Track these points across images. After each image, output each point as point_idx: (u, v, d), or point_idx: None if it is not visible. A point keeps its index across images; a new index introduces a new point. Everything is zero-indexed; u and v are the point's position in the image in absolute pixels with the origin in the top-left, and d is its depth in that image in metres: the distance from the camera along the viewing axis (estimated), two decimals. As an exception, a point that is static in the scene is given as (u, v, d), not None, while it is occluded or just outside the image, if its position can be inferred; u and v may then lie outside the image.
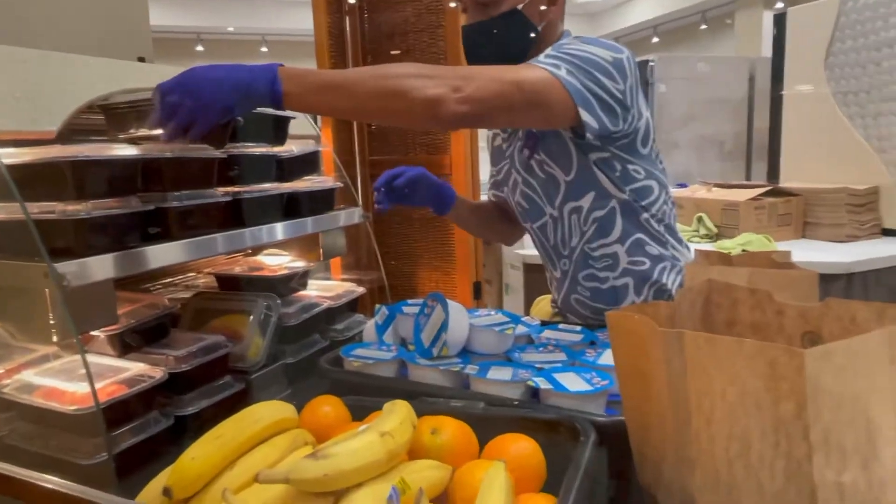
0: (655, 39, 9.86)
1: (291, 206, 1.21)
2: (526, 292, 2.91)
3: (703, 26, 9.41)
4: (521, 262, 2.73)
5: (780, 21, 2.72)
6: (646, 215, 1.22)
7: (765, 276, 0.76)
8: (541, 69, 1.00)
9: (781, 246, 2.28)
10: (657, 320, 0.69)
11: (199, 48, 9.48)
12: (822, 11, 2.53)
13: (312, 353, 1.24)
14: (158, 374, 0.94)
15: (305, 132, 1.34)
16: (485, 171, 2.02)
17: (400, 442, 0.57)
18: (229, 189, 1.10)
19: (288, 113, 1.20)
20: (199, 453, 0.62)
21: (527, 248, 2.75)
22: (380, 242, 2.21)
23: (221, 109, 0.85)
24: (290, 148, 1.22)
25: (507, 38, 1.15)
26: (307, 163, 1.27)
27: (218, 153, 1.05)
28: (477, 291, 1.94)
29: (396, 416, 0.63)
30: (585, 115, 1.01)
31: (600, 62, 1.03)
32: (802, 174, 2.62)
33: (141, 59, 1.63)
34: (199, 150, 0.99)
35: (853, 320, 0.60)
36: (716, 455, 0.56)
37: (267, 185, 1.16)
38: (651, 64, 3.53)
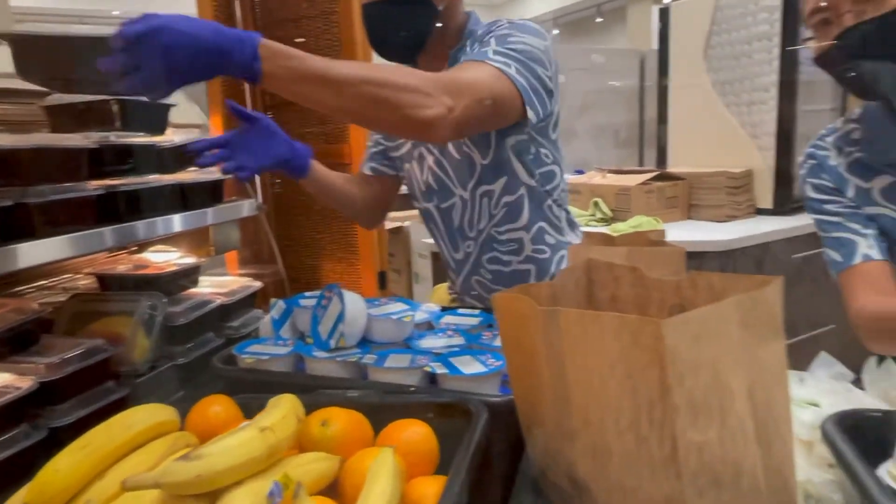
0: (556, 31, 10.18)
1: (176, 200, 1.15)
2: (435, 280, 2.94)
3: (599, 19, 9.82)
4: (429, 250, 2.75)
5: (664, 15, 2.88)
6: (549, 201, 1.26)
7: (640, 253, 0.80)
8: (500, 73, 1.00)
9: (669, 227, 2.43)
10: (540, 300, 0.71)
11: (81, 33, 8.79)
12: (700, 6, 2.70)
13: (206, 353, 1.19)
14: (27, 383, 0.86)
15: (190, 121, 1.28)
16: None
17: (282, 437, 0.56)
18: (103, 182, 1.03)
19: (169, 100, 1.13)
20: (64, 464, 0.58)
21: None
22: (281, 235, 2.15)
23: (191, 77, 0.77)
24: (171, 137, 1.16)
25: (409, 18, 1.13)
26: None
27: (88, 143, 0.98)
28: (382, 281, 1.93)
29: (279, 410, 0.61)
30: (530, 112, 1.05)
31: (538, 53, 1.06)
32: (687, 159, 2.80)
33: None
34: (64, 139, 0.92)
35: (712, 290, 0.65)
36: (593, 424, 0.59)
37: (147, 178, 1.10)
38: (549, 54, 3.64)
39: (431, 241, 2.68)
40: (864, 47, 0.85)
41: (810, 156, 1.07)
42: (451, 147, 1.21)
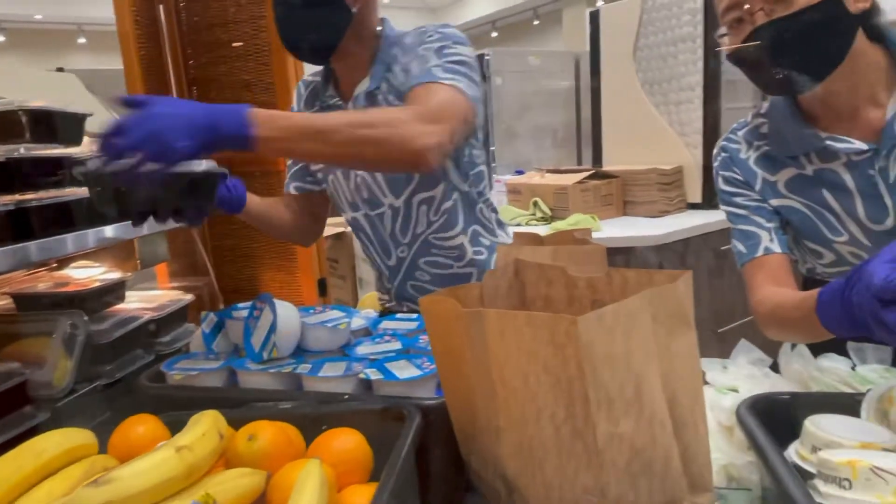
0: (495, 34, 10.30)
1: (94, 213, 1.10)
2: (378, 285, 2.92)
3: (536, 22, 10.00)
4: (372, 255, 2.73)
5: (594, 18, 2.96)
6: (480, 205, 1.28)
7: (565, 252, 0.81)
8: (456, 90, 1.03)
9: (606, 223, 2.49)
10: (468, 302, 0.72)
11: (1, 38, 8.33)
12: (627, 9, 2.79)
13: (135, 370, 1.15)
14: (-69, 414, 0.81)
15: (110, 131, 1.22)
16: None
17: (201, 455, 0.54)
18: (13, 197, 0.98)
19: (83, 109, 1.09)
20: (-33, 499, 0.55)
21: (377, 242, 2.77)
22: (216, 245, 2.09)
23: (187, 154, 0.79)
24: (90, 148, 1.11)
25: (321, 19, 1.12)
26: (112, 164, 1.16)
27: (-6, 157, 0.92)
28: (322, 288, 1.91)
29: (199, 427, 0.59)
30: (476, 120, 1.12)
31: (472, 61, 1.11)
32: (621, 157, 2.89)
33: None
34: (-37, 153, 0.86)
35: (626, 285, 0.67)
36: (518, 421, 0.60)
37: (62, 191, 1.05)
38: (487, 58, 3.68)
39: (374, 245, 2.67)
40: (773, 45, 0.89)
41: (723, 149, 1.11)
42: None
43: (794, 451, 0.65)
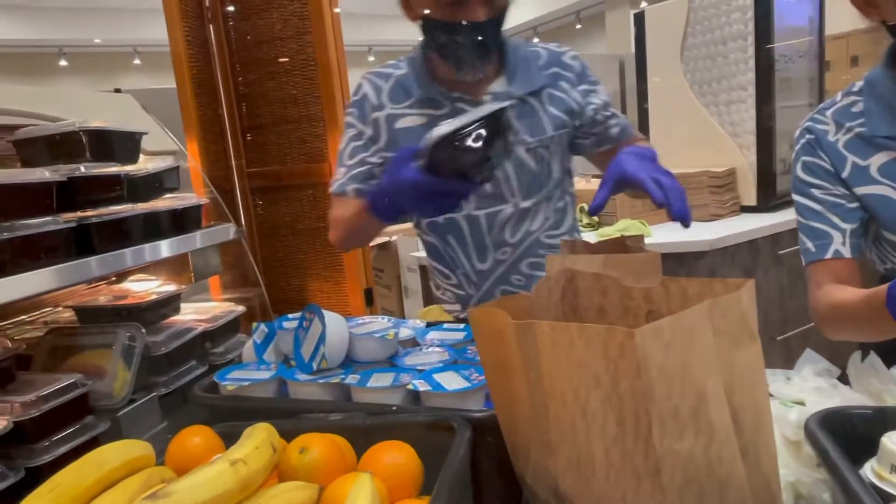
0: (536, 39, 10.25)
1: (151, 228, 1.14)
2: (424, 294, 2.93)
3: (579, 25, 9.90)
4: (418, 264, 2.74)
5: (639, 20, 2.90)
6: (573, 203, 1.32)
7: (617, 260, 0.79)
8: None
9: (656, 228, 2.43)
10: (518, 313, 0.70)
11: (63, 63, 8.78)
12: (674, 9, 2.73)
13: (190, 381, 1.18)
14: (1, 423, 0.85)
15: (164, 147, 1.27)
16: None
17: (255, 468, 0.54)
18: (76, 214, 1.02)
19: (139, 128, 1.13)
20: (33, 509, 0.56)
21: (422, 251, 2.77)
22: (266, 256, 2.14)
23: None
24: (144, 166, 1.15)
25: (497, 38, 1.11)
26: (165, 180, 1.20)
27: (57, 176, 0.96)
28: (369, 298, 1.92)
29: (252, 440, 0.60)
30: None
31: None
32: (669, 160, 2.79)
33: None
34: (29, 174, 0.91)
35: (685, 296, 0.64)
36: (571, 437, 0.58)
37: (119, 207, 1.08)
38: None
39: (419, 254, 2.68)
40: None
41: (808, 130, 1.03)
42: (524, 155, 1.17)
43: (870, 470, 0.61)
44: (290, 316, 1.12)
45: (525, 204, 1.20)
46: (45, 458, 0.89)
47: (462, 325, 1.18)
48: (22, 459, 0.88)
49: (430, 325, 1.21)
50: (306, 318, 1.02)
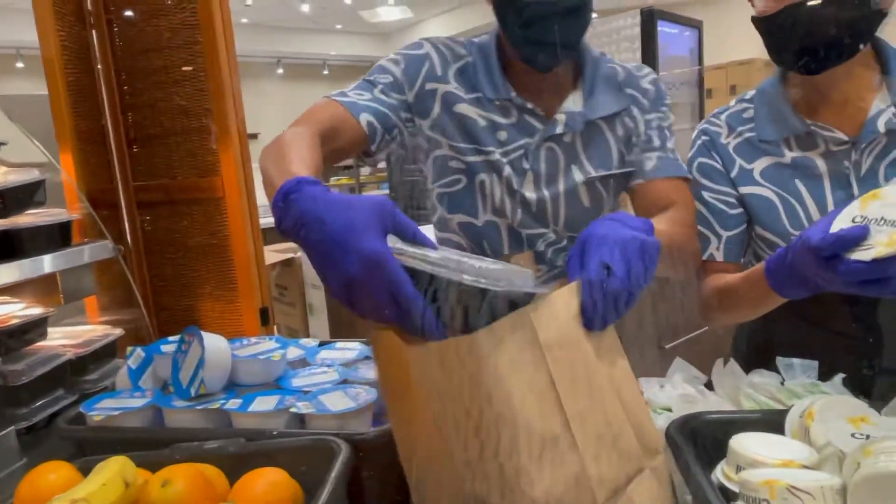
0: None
1: (10, 246, 1.04)
2: (329, 311, 2.87)
3: (488, 47, 10.16)
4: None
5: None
6: None
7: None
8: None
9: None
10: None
11: (-70, 63, 7.97)
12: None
13: (57, 412, 1.08)
14: None
15: (32, 159, 1.17)
16: (261, 195, 1.95)
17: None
18: (-84, 232, 0.92)
19: (-2, 138, 1.04)
20: None
21: (326, 267, 2.72)
22: (155, 275, 2.02)
23: None
24: (5, 178, 1.05)
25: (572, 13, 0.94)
26: (30, 194, 1.11)
27: None
28: (264, 317, 1.86)
29: (100, 476, 0.56)
30: None
31: None
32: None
33: None
34: None
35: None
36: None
37: (-28, 224, 0.99)
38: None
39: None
40: (813, 16, 0.88)
41: (704, 132, 1.10)
42: (580, 187, 1.02)
43: (720, 472, 0.66)
44: (170, 339, 1.06)
45: (565, 234, 1.05)
46: None
47: (355, 344, 1.17)
48: None
49: (322, 344, 1.19)
50: (185, 341, 0.98)
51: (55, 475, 0.74)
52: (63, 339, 1.22)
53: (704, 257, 1.06)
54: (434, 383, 0.57)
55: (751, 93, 1.09)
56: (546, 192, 1.02)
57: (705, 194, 1.07)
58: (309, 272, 2.93)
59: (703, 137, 1.10)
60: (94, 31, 1.87)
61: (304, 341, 1.19)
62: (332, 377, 1.00)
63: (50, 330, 1.23)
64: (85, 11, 1.86)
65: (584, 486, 0.56)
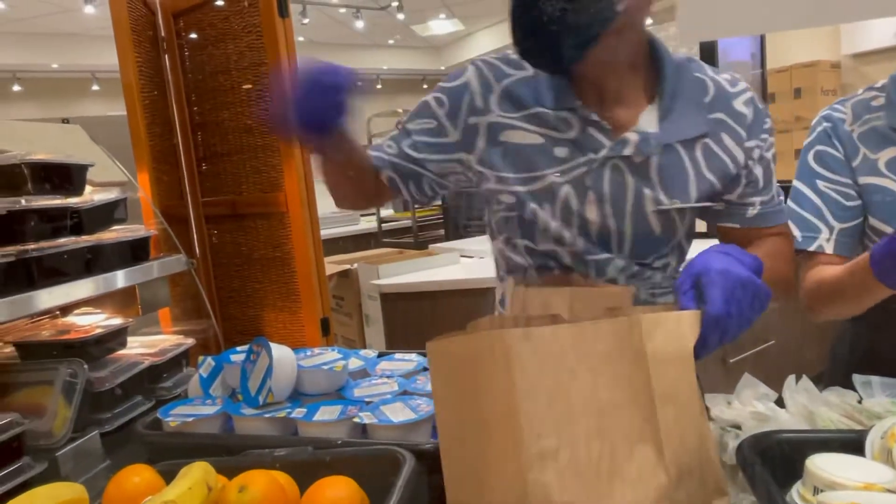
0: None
1: (96, 260, 1.11)
2: (385, 322, 2.91)
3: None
4: (378, 292, 2.73)
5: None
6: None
7: (583, 294, 0.81)
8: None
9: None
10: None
11: (17, 88, 8.56)
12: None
13: (136, 417, 1.15)
14: (-72, 468, 0.81)
15: (113, 178, 1.25)
16: (330, 206, 2.00)
17: (186, 510, 0.53)
18: (15, 248, 0.99)
19: (84, 160, 1.11)
20: (-47, 559, 0.54)
21: (382, 279, 2.77)
22: (223, 287, 2.11)
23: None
24: (91, 197, 1.13)
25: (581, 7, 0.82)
26: (111, 212, 1.18)
27: (-5, 209, 0.94)
28: (325, 328, 1.90)
29: (186, 480, 0.59)
30: None
31: None
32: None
33: None
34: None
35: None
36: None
37: (63, 240, 1.06)
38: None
39: (380, 282, 2.67)
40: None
41: (826, 118, 1.07)
42: (650, 215, 0.91)
43: (796, 493, 0.64)
44: (238, 349, 1.11)
45: (630, 262, 0.95)
46: (-25, 503, 0.85)
47: (413, 355, 1.19)
48: (-50, 506, 0.84)
49: (381, 355, 1.21)
50: (254, 351, 1.01)
51: (139, 478, 0.78)
52: (140, 348, 1.29)
53: (812, 248, 1.02)
54: (524, 372, 0.57)
55: (882, 81, 1.05)
56: (610, 216, 0.91)
57: (820, 184, 1.04)
58: (365, 283, 2.98)
59: (825, 124, 1.06)
60: (166, 56, 1.98)
61: (363, 352, 1.21)
62: (393, 388, 1.02)
63: (128, 339, 1.30)
64: (158, 37, 1.98)
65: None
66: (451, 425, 0.68)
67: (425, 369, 1.12)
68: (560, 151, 0.91)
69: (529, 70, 0.93)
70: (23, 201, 1.01)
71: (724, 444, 0.83)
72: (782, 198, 0.98)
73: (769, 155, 0.93)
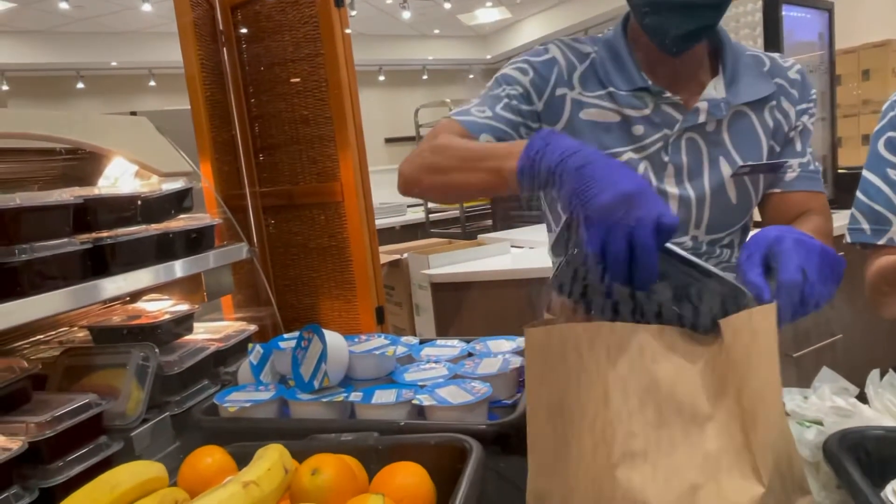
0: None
1: (164, 248, 1.15)
2: (435, 311, 2.92)
3: (600, 35, 9.91)
4: (429, 281, 2.74)
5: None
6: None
7: None
8: None
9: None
10: None
11: (80, 85, 8.95)
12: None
13: (201, 401, 1.18)
14: (16, 444, 0.85)
15: (179, 168, 1.29)
16: (382, 196, 2.01)
17: (267, 490, 0.54)
18: (91, 235, 1.03)
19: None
20: (47, 530, 0.56)
21: (433, 268, 2.77)
22: (280, 275, 2.15)
23: None
24: (159, 187, 1.16)
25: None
26: (179, 201, 1.21)
27: (73, 199, 0.98)
28: (380, 316, 1.92)
29: (265, 461, 0.60)
30: None
31: None
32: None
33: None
34: (47, 196, 0.92)
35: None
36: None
37: (134, 228, 1.10)
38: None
39: (430, 272, 2.68)
40: None
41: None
42: (727, 181, 0.94)
43: (891, 492, 0.60)
44: (286, 336, 1.13)
45: (706, 239, 0.97)
46: (59, 478, 0.89)
47: (455, 341, 1.19)
48: (36, 480, 0.88)
49: (423, 341, 1.21)
50: (304, 338, 1.03)
51: (211, 458, 0.80)
52: (205, 334, 1.32)
53: (881, 241, 0.98)
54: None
55: None
56: (689, 188, 0.93)
57: (892, 173, 0.99)
58: (416, 273, 2.99)
59: None
60: (224, 49, 2.03)
61: (405, 339, 1.22)
62: (442, 372, 1.02)
63: (194, 325, 1.34)
64: (217, 31, 2.02)
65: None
66: (542, 414, 0.67)
67: (470, 355, 1.12)
68: (637, 129, 0.94)
69: (595, 52, 0.97)
70: (96, 190, 1.05)
71: (803, 440, 0.79)
72: (820, 167, 0.99)
73: (811, 123, 0.99)
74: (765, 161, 0.94)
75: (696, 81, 0.95)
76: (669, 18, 0.85)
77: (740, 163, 0.93)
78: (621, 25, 0.99)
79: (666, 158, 0.93)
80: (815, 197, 0.97)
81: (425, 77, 9.53)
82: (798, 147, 0.97)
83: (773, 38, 2.43)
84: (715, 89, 0.93)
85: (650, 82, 0.92)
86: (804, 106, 0.97)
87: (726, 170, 0.93)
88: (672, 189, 0.94)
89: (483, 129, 0.92)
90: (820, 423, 0.82)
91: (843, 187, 2.65)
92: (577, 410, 0.60)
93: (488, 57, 9.33)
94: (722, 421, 0.55)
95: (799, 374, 2.16)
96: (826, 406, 0.86)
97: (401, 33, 8.81)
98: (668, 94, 0.92)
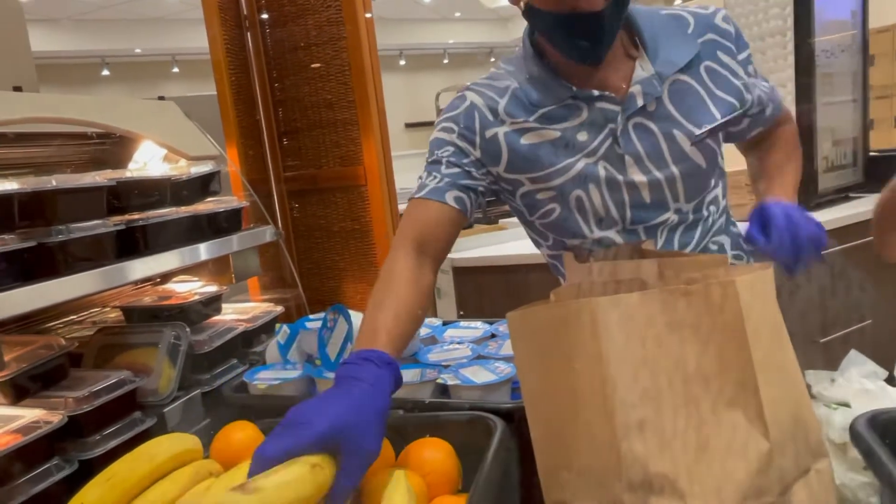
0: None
1: (194, 230, 1.17)
2: (457, 295, 2.93)
3: (611, 25, 9.76)
4: (450, 265, 2.75)
5: (673, 16, 2.86)
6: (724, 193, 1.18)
7: (675, 263, 0.78)
8: None
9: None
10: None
11: (105, 72, 9.06)
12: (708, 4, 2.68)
13: (231, 379, 1.21)
14: (56, 418, 0.89)
15: (205, 152, 1.31)
16: (402, 181, 2.02)
17: (329, 474, 0.56)
18: (123, 217, 1.06)
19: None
20: (91, 497, 0.59)
21: (454, 252, 2.78)
22: (304, 258, 2.18)
23: None
24: (188, 170, 1.18)
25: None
26: (207, 184, 1.24)
27: (106, 181, 1.00)
28: (402, 300, 1.93)
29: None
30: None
31: None
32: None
33: (17, 88, 1.54)
34: (81, 179, 0.95)
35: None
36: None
37: (164, 210, 1.12)
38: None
39: (452, 255, 2.68)
40: None
41: None
42: (689, 149, 0.92)
43: (919, 474, 0.60)
44: (312, 317, 1.15)
45: (689, 207, 0.96)
46: (97, 451, 0.93)
47: (479, 323, 1.20)
48: (76, 452, 0.92)
49: (446, 323, 1.23)
50: (330, 319, 1.04)
51: (242, 433, 0.83)
52: (233, 315, 1.35)
53: None
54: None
55: None
56: (655, 171, 0.92)
57: None
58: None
59: None
60: (248, 34, 2.04)
61: (429, 320, 1.23)
62: (466, 353, 1.04)
63: (223, 306, 1.37)
64: (241, 16, 2.03)
65: (765, 476, 0.54)
66: (537, 393, 0.68)
67: (493, 336, 1.13)
68: (581, 136, 0.91)
69: (513, 81, 0.95)
70: (128, 173, 1.08)
71: (830, 422, 0.79)
72: (771, 84, 1.02)
73: (750, 54, 0.98)
74: (720, 119, 0.92)
75: (621, 67, 0.92)
76: (576, 32, 0.84)
77: (695, 130, 0.90)
78: (528, 41, 0.95)
79: (620, 151, 0.91)
80: (784, 111, 1.06)
81: (446, 61, 9.47)
82: (758, 90, 0.97)
83: (803, 16, 2.37)
84: (643, 68, 0.90)
85: (575, 88, 0.90)
86: (745, 55, 0.95)
87: (684, 141, 0.91)
88: (639, 177, 0.92)
89: (445, 190, 0.93)
90: (847, 405, 0.82)
91: (874, 171, 2.58)
92: (571, 386, 0.60)
93: (509, 40, 9.22)
94: (721, 384, 0.56)
95: (827, 359, 2.14)
96: (853, 388, 0.85)
97: (422, 17, 8.75)
98: (598, 93, 0.90)
